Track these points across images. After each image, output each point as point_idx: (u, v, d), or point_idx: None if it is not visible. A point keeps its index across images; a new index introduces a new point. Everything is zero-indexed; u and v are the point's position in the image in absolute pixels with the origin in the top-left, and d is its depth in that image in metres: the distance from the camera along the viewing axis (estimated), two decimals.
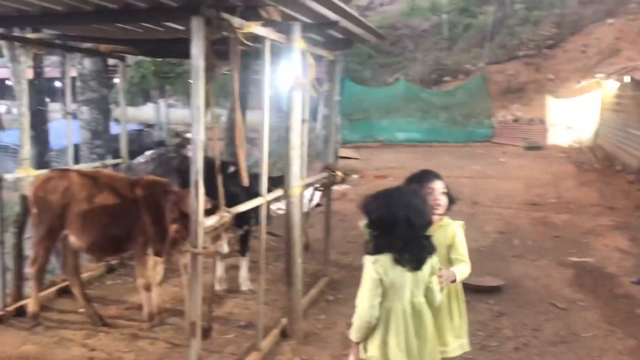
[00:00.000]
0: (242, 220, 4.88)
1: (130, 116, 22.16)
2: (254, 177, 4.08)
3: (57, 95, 24.35)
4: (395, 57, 25.81)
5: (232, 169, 5.18)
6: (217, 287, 5.19)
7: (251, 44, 3.51)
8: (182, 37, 4.65)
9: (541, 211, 8.77)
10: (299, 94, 4.06)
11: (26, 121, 4.68)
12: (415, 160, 14.21)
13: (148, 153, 20.55)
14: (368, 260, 2.43)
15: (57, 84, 24.67)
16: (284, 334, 4.22)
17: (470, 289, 5.22)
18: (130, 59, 14.33)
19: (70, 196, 4.14)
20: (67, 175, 4.25)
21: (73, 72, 6.43)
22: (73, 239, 4.22)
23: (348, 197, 9.89)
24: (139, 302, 4.73)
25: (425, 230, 2.46)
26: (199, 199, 2.99)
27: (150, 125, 26.13)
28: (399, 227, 2.37)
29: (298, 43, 3.94)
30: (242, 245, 5.31)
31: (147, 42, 5.11)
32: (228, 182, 5.03)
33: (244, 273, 5.30)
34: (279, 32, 3.87)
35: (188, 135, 23.72)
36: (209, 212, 3.33)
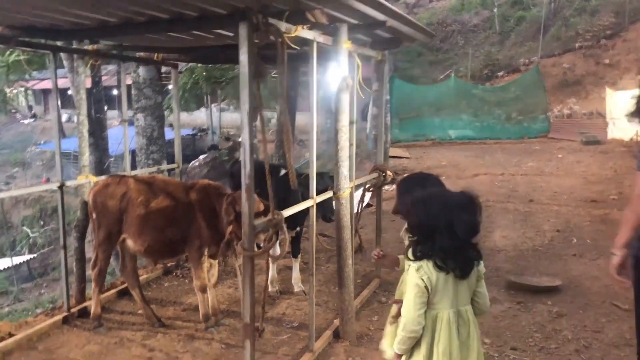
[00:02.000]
0: (294, 222, 4.93)
1: (183, 121, 22.74)
2: (306, 179, 4.10)
3: (113, 103, 25.24)
4: (445, 53, 25.43)
5: (283, 172, 5.24)
6: (270, 289, 5.26)
7: (298, 48, 3.56)
8: (231, 43, 4.75)
9: (601, 208, 8.43)
10: (347, 95, 4.05)
11: (85, 129, 4.87)
12: (468, 158, 13.96)
13: (201, 157, 20.97)
14: (412, 267, 2.33)
15: (114, 92, 25.58)
16: (337, 335, 4.23)
17: (528, 290, 5.11)
18: (182, 65, 14.67)
19: (127, 201, 4.28)
20: (124, 181, 4.40)
21: (128, 81, 6.63)
22: (130, 243, 4.37)
23: None
24: (195, 303, 4.85)
25: (470, 239, 2.30)
26: (250, 202, 3.03)
27: (203, 130, 26.73)
28: (439, 234, 2.25)
29: (345, 44, 3.93)
30: (294, 247, 5.35)
31: (198, 49, 5.23)
32: (279, 185, 5.11)
33: (296, 274, 5.34)
34: (325, 34, 3.88)
35: (239, 139, 24.21)
36: (261, 215, 3.38)
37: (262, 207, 3.76)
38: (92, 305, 4.46)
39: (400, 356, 2.43)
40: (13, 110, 35.18)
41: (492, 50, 23.75)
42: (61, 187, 4.55)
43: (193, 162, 19.92)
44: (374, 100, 13.66)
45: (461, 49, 25.06)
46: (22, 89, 32.04)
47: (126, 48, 4.98)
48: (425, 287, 2.28)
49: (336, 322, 4.33)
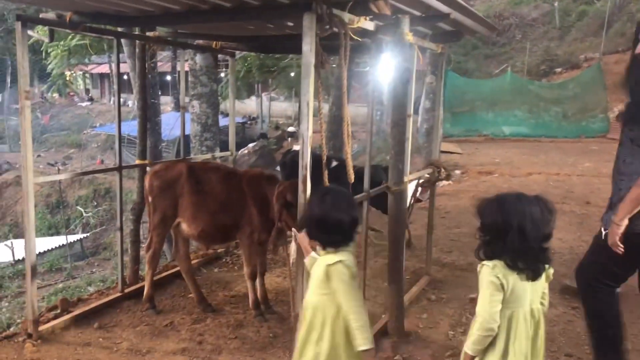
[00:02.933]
0: None
1: (237, 109, 23.01)
2: (360, 171, 4.07)
3: (166, 89, 25.76)
4: (502, 47, 24.82)
5: (334, 163, 5.22)
6: None
7: (359, 39, 3.50)
8: (290, 33, 4.73)
9: None
10: (406, 88, 3.98)
11: (143, 114, 4.97)
12: (522, 156, 13.59)
13: (250, 145, 21.13)
14: (486, 266, 2.33)
15: (167, 78, 26.10)
16: (385, 331, 4.19)
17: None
18: (237, 54, 14.81)
19: (182, 186, 4.35)
20: (180, 166, 4.46)
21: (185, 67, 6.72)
22: (185, 227, 4.43)
23: (450, 193, 9.64)
24: (244, 290, 4.89)
25: (540, 242, 2.31)
26: (306, 194, 3.01)
27: (253, 118, 27.01)
28: (511, 235, 2.26)
29: (406, 36, 3.86)
30: None
31: (257, 38, 5.24)
32: (331, 177, 5.08)
33: None
34: (387, 25, 3.82)
35: (288, 128, 24.42)
36: None
37: None
38: (145, 287, 4.56)
39: (472, 357, 2.40)
40: (71, 93, 36.40)
41: (551, 46, 23.03)
42: (120, 169, 4.66)
43: (242, 150, 20.23)
44: (426, 93, 13.49)
45: (518, 43, 24.41)
46: (80, 73, 33.11)
47: (185, 35, 5.02)
48: (501, 284, 2.29)
49: (384, 317, 4.28)
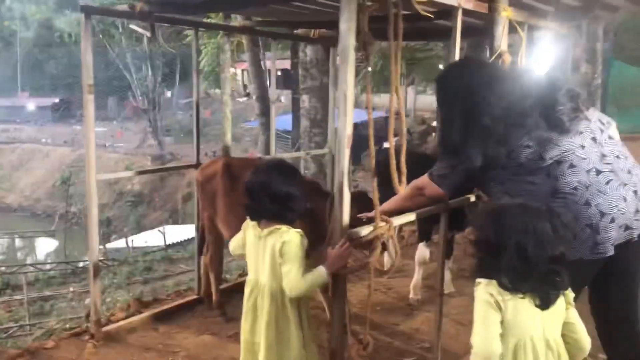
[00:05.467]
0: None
1: (374, 104, 22.52)
2: None
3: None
4: None
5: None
6: (412, 296, 4.66)
7: (431, 17, 2.86)
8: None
9: None
10: None
11: (229, 109, 4.73)
12: None
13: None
14: (481, 284, 1.96)
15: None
16: None
17: None
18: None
19: (217, 184, 4.01)
20: (218, 164, 4.12)
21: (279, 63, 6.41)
22: (220, 228, 4.10)
23: None
24: (320, 305, 4.45)
25: (547, 264, 1.87)
26: (344, 207, 2.46)
27: (396, 113, 26.38)
28: (506, 254, 1.86)
29: (503, 12, 3.11)
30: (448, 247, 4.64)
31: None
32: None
33: (447, 277, 4.66)
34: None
35: (434, 123, 23.41)
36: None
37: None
38: (213, 293, 4.30)
39: None
40: (232, 89, 38.66)
41: None
42: (197, 166, 4.43)
43: (384, 143, 19.63)
44: (581, 85, 11.90)
45: None
46: (239, 70, 35.03)
47: (273, 24, 4.69)
48: (496, 302, 1.89)
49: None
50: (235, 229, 3.93)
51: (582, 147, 2.40)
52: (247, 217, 2.60)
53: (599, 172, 2.37)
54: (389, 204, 2.93)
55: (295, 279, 2.32)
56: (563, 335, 1.99)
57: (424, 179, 2.80)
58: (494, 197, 2.61)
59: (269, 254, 2.41)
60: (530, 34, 5.01)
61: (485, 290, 1.93)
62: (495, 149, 2.43)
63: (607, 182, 2.36)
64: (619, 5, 4.10)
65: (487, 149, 2.44)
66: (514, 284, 1.88)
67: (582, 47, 10.65)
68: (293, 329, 2.46)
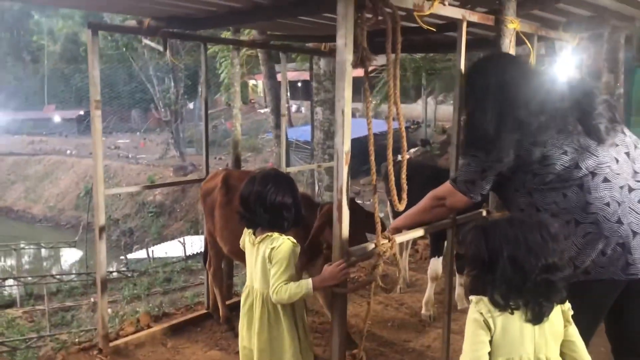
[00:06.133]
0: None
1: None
2: None
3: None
4: None
5: None
6: (424, 312, 4.58)
7: (434, 30, 2.81)
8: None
9: None
10: None
11: (239, 123, 4.73)
12: None
13: (412, 151, 20.47)
14: (472, 301, 1.92)
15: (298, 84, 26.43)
16: None
17: None
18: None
19: (215, 196, 3.99)
20: (217, 176, 4.11)
21: (290, 74, 6.40)
22: (219, 242, 4.07)
23: None
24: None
25: (541, 274, 1.80)
26: (343, 223, 2.41)
27: (416, 123, 26.24)
28: (499, 267, 1.81)
29: (510, 24, 3.05)
30: (458, 262, 4.56)
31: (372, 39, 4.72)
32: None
33: (459, 291, 4.58)
34: (485, 12, 3.07)
35: None
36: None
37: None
38: (220, 307, 4.28)
39: None
40: (252, 100, 38.88)
41: None
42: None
43: (398, 156, 19.52)
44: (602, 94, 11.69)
45: None
46: (260, 81, 35.24)
47: (280, 38, 4.68)
48: (485, 322, 1.84)
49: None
50: (231, 243, 3.92)
51: (617, 160, 2.30)
52: (244, 225, 2.65)
53: (631, 190, 2.27)
54: (403, 220, 2.83)
55: (276, 284, 2.36)
56: (562, 354, 1.94)
57: (445, 188, 2.66)
58: (516, 209, 2.49)
59: (260, 261, 2.48)
60: (547, 44, 4.94)
61: (475, 308, 1.89)
62: (529, 151, 2.31)
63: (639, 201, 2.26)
64: (634, 15, 3.99)
65: (521, 150, 2.32)
66: (506, 299, 1.83)
67: (602, 56, 10.50)
68: (286, 335, 2.49)
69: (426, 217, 2.78)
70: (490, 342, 1.85)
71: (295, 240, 2.50)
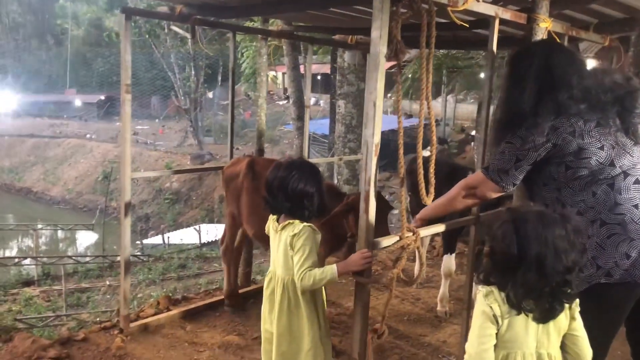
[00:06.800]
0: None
1: (414, 111, 22.41)
2: None
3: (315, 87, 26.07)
4: None
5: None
6: (439, 308, 4.60)
7: (467, 26, 2.82)
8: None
9: None
10: None
11: (264, 112, 4.77)
12: None
13: (429, 148, 20.61)
14: (480, 293, 1.94)
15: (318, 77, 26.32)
16: None
17: None
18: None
19: (241, 182, 4.07)
20: (244, 162, 4.17)
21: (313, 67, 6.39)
22: (244, 226, 4.19)
23: None
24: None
25: (563, 274, 1.81)
26: (370, 215, 2.44)
27: (436, 120, 26.11)
28: (524, 267, 1.80)
29: (542, 23, 3.04)
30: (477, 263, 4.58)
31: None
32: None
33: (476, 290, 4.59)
34: (518, 10, 3.06)
35: (473, 132, 23.06)
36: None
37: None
38: (224, 282, 4.40)
39: None
40: (271, 92, 38.92)
41: None
42: None
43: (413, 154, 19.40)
44: None
45: None
46: (280, 73, 35.26)
47: (310, 29, 4.70)
48: (494, 316, 1.87)
49: None
50: (258, 227, 4.02)
51: None
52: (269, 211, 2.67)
53: None
54: (431, 210, 2.74)
55: (300, 271, 2.38)
56: (564, 346, 1.96)
57: (476, 176, 2.60)
58: (540, 204, 2.40)
59: (282, 247, 2.50)
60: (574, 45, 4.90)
61: (485, 301, 1.89)
62: (566, 141, 2.24)
63: None
64: None
65: (559, 138, 2.25)
66: (521, 300, 1.83)
67: (628, 60, 10.38)
68: (305, 322, 2.52)
69: (455, 206, 2.69)
70: (495, 335, 1.88)
71: (315, 228, 2.52)
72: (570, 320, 1.94)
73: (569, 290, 1.87)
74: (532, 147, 2.31)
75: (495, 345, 1.89)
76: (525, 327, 1.88)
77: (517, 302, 1.83)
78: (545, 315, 1.85)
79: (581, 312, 1.96)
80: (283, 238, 2.51)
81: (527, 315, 1.86)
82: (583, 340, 1.96)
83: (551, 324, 1.89)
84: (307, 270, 2.39)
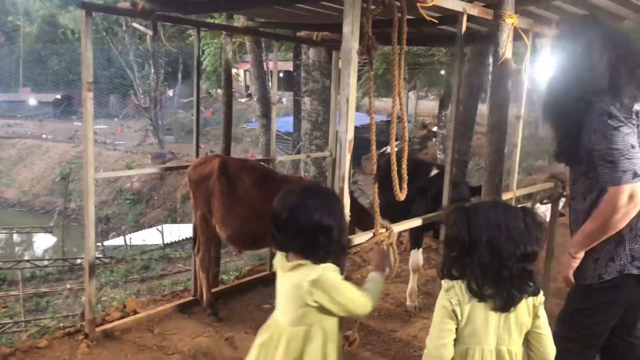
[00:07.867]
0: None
1: (377, 107, 22.45)
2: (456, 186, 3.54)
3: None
4: None
5: (434, 172, 4.54)
6: (408, 303, 4.63)
7: (436, 22, 2.84)
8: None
9: None
10: (506, 85, 3.19)
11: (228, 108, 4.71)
12: None
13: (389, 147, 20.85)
14: (442, 287, 1.97)
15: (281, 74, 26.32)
16: None
17: None
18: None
19: (213, 184, 4.00)
20: (214, 162, 4.10)
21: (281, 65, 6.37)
22: (216, 227, 4.11)
23: None
24: None
25: (518, 262, 1.86)
26: (345, 212, 2.42)
27: (397, 117, 26.36)
28: (478, 251, 1.86)
29: (508, 19, 3.07)
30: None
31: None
32: (428, 188, 4.38)
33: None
34: (485, 5, 3.09)
35: (435, 128, 23.37)
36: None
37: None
38: (204, 292, 4.28)
39: None
40: (233, 90, 38.62)
41: None
42: None
43: (383, 149, 19.60)
44: None
45: None
46: (242, 70, 35.01)
47: (275, 26, 4.65)
48: (453, 311, 1.91)
49: None
50: (234, 229, 3.98)
51: None
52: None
53: None
54: (585, 240, 2.33)
55: (361, 301, 2.09)
56: (528, 344, 2.00)
57: (630, 187, 2.15)
58: (578, 193, 2.42)
59: (290, 292, 2.05)
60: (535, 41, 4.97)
61: (445, 296, 1.94)
62: None
63: None
64: (625, 15, 4.06)
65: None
66: (481, 285, 1.86)
67: None
68: None
69: (623, 224, 2.23)
70: (456, 329, 1.92)
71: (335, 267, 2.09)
72: (534, 318, 1.97)
73: (530, 283, 1.91)
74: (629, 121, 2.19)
75: (456, 340, 1.93)
76: (486, 322, 1.91)
77: (477, 288, 1.87)
78: (504, 305, 1.88)
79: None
80: (293, 281, 2.01)
81: (487, 304, 1.89)
82: (547, 338, 2.00)
83: (512, 320, 1.92)
84: (362, 298, 2.10)
